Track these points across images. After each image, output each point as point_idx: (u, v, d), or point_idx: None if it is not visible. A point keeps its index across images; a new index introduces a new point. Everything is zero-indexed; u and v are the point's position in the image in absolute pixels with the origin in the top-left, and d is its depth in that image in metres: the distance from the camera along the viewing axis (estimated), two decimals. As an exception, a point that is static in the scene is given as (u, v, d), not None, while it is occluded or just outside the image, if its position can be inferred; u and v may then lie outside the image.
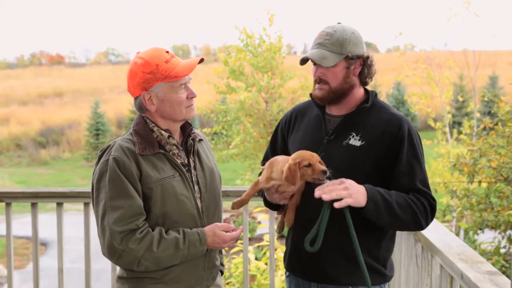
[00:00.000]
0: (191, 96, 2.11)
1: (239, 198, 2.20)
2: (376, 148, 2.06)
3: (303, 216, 2.12)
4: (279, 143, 2.35)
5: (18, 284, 9.33)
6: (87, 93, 40.02)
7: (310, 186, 2.03)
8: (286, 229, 2.28)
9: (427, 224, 2.08)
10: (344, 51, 2.08)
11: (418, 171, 2.06)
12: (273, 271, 3.36)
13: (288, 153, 2.24)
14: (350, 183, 1.93)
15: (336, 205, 1.87)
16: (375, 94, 2.19)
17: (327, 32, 2.12)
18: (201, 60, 2.12)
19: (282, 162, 2.06)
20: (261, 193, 2.27)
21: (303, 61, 2.14)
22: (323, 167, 1.94)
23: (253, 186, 2.16)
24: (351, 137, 2.10)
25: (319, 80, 2.13)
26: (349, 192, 1.89)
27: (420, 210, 2.02)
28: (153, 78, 2.04)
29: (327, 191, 1.88)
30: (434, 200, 2.06)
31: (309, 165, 1.96)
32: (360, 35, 2.14)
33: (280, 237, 11.94)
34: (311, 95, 2.22)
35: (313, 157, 1.98)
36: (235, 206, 2.19)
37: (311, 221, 2.02)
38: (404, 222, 2.03)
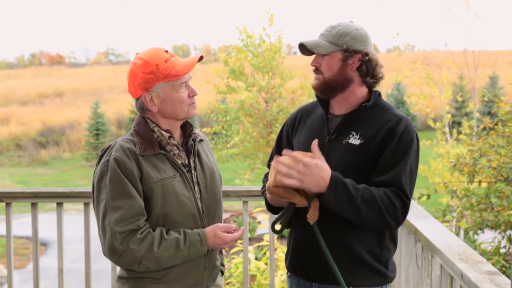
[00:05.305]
0: (192, 94, 2.12)
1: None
2: (373, 146, 2.05)
3: (303, 217, 2.12)
4: (284, 143, 2.34)
5: (18, 284, 9.33)
6: (87, 93, 40.02)
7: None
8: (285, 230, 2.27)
9: (397, 223, 2.00)
10: (340, 43, 2.08)
11: (399, 168, 2.00)
12: (273, 271, 3.36)
13: None
14: (313, 169, 1.89)
15: (310, 221, 1.99)
16: (378, 94, 2.18)
17: (331, 24, 2.14)
18: (201, 58, 2.12)
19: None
20: (263, 194, 2.27)
21: (302, 49, 2.14)
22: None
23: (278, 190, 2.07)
24: (351, 136, 2.09)
25: (315, 70, 2.15)
26: (300, 177, 1.88)
27: (388, 208, 1.95)
28: (153, 78, 2.04)
29: (284, 172, 1.89)
30: (408, 198, 1.99)
31: None
32: (365, 34, 2.12)
33: (280, 237, 11.95)
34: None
35: None
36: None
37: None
38: (366, 218, 1.96)
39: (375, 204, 1.94)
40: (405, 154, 2.03)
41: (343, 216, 2.00)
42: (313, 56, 2.16)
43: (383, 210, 1.95)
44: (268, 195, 2.15)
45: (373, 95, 2.15)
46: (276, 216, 2.17)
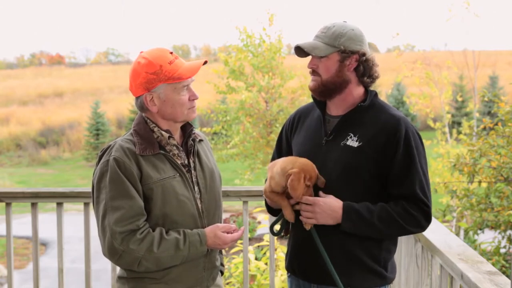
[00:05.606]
0: (193, 98, 2.11)
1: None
2: (373, 149, 2.05)
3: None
4: (284, 145, 2.34)
5: (18, 284, 9.33)
6: (87, 93, 40.00)
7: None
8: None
9: (423, 229, 2.08)
10: (337, 44, 2.07)
11: (412, 176, 2.03)
12: (273, 271, 3.36)
13: (292, 155, 2.24)
14: (321, 205, 2.01)
15: (306, 227, 2.07)
16: (374, 94, 2.17)
17: (326, 26, 2.13)
18: (205, 62, 2.12)
19: (280, 161, 2.07)
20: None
21: (298, 51, 2.13)
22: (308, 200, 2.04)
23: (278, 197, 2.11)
24: (348, 137, 2.09)
25: (312, 72, 2.14)
26: (314, 216, 2.03)
27: (408, 221, 2.01)
28: (156, 79, 2.04)
29: (304, 215, 2.05)
30: (427, 206, 2.03)
31: (308, 186, 2.02)
32: (361, 33, 2.12)
33: (280, 237, 11.95)
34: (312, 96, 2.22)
35: (314, 172, 2.02)
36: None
37: None
38: (389, 235, 2.10)
39: (393, 221, 2.01)
40: (414, 160, 2.04)
41: (367, 236, 2.07)
42: (309, 57, 2.16)
43: (403, 224, 2.02)
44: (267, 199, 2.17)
45: (369, 95, 2.14)
46: (275, 217, 2.19)
